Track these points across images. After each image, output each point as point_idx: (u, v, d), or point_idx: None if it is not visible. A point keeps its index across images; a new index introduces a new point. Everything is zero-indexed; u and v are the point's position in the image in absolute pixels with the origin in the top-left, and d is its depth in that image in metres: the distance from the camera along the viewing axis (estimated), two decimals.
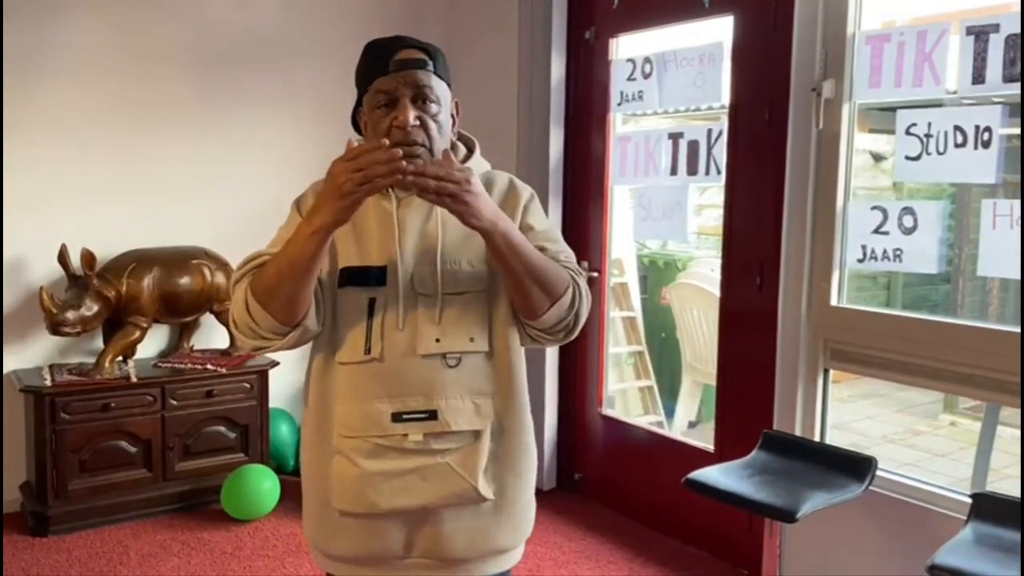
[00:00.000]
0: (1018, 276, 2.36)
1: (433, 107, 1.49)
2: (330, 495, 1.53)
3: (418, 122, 1.46)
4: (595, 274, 3.66)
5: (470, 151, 1.64)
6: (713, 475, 2.40)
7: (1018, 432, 4.47)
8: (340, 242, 1.53)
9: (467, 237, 1.50)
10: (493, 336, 1.53)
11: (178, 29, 3.68)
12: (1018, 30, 2.27)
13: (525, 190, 1.62)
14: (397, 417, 1.47)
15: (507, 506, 1.55)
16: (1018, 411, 2.90)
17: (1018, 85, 2.28)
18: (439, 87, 1.51)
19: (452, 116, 1.57)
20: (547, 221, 1.62)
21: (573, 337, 1.57)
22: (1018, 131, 4.07)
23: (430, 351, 1.48)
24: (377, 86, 1.48)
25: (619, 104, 3.46)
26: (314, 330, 1.51)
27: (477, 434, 1.51)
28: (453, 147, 1.59)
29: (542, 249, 1.53)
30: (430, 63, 1.50)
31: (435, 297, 1.50)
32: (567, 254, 1.58)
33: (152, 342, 3.68)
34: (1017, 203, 2.33)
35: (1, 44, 3.32)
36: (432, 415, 1.48)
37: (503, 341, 1.54)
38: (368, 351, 1.48)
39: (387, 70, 1.48)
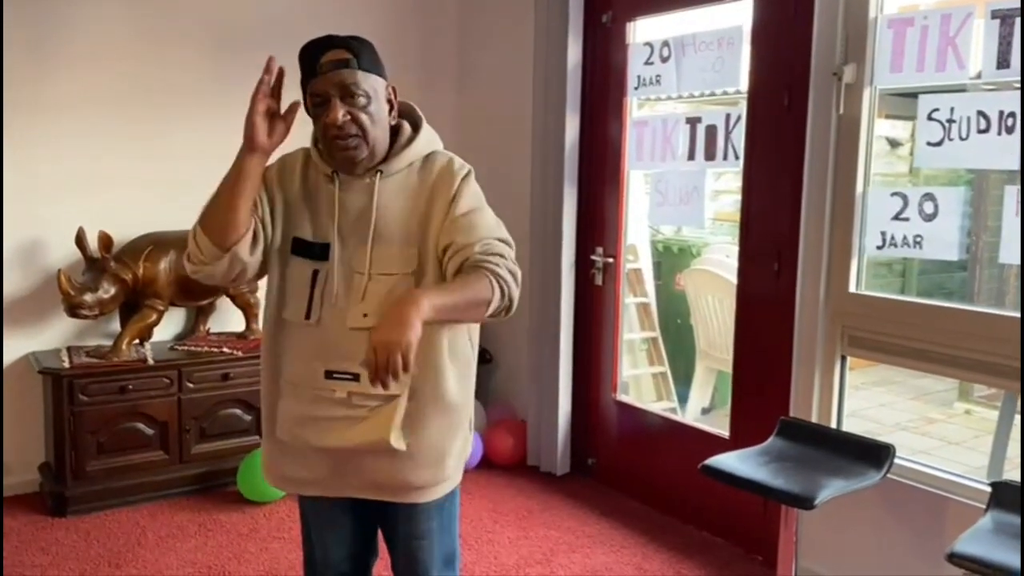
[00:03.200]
0: None
1: (361, 100, 1.64)
2: (276, 428, 1.79)
3: (348, 116, 1.63)
4: (611, 259, 3.66)
5: (415, 129, 1.76)
6: (730, 461, 2.40)
7: None
8: (296, 214, 1.74)
9: (402, 223, 1.69)
10: None
11: (196, 12, 3.67)
12: None
13: (459, 172, 1.73)
14: (328, 375, 1.71)
15: (419, 453, 1.74)
16: None
17: None
18: (366, 81, 1.65)
19: (389, 101, 1.71)
20: (473, 202, 1.72)
21: (513, 312, 1.70)
22: None
23: (357, 325, 1.67)
24: (310, 89, 1.65)
25: (636, 88, 3.43)
26: (247, 262, 1.67)
27: (393, 396, 1.68)
28: (397, 128, 1.74)
29: (449, 245, 1.66)
30: (354, 60, 1.64)
31: (365, 276, 1.68)
32: (484, 242, 1.66)
33: (168, 325, 3.70)
34: None
35: (1, 34, 3.32)
36: (356, 378, 1.68)
37: None
38: (308, 316, 1.71)
39: (316, 73, 1.64)
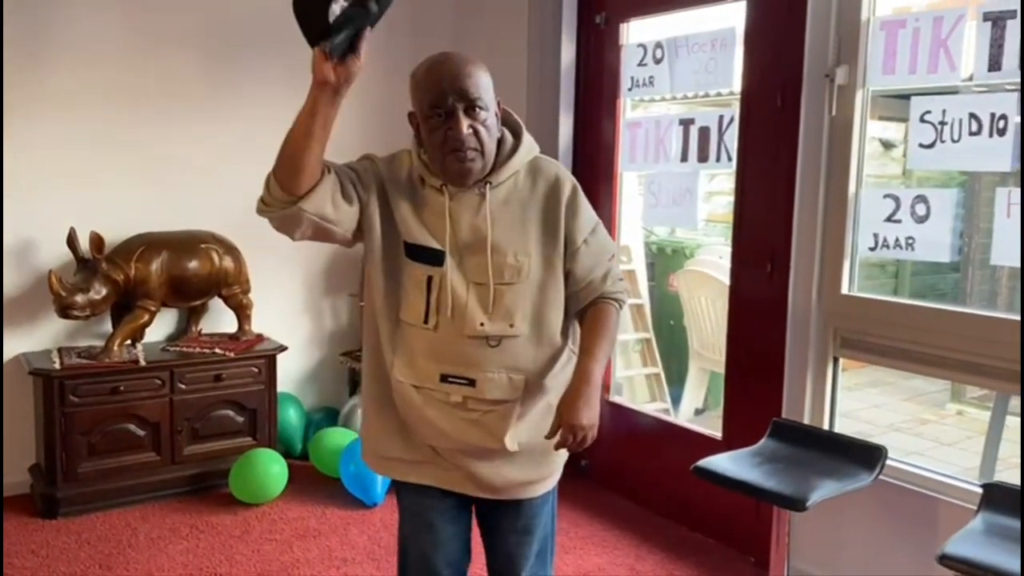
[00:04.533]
0: None
1: (482, 114, 1.67)
2: (392, 411, 1.80)
3: (471, 130, 1.65)
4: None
5: (517, 137, 1.79)
6: (722, 463, 2.40)
7: None
8: (406, 216, 1.74)
9: (513, 232, 1.73)
10: (537, 322, 1.75)
11: (189, 9, 3.65)
12: None
13: (566, 185, 1.78)
14: (444, 378, 1.73)
15: (527, 452, 1.78)
16: None
17: None
18: (486, 95, 1.68)
19: (496, 115, 1.73)
20: (589, 221, 1.79)
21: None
22: None
23: (475, 333, 1.71)
24: (432, 100, 1.66)
25: (629, 89, 3.43)
26: (332, 219, 1.65)
27: (508, 401, 1.74)
28: (501, 139, 1.76)
29: (578, 272, 1.76)
30: (476, 73, 1.67)
31: (485, 286, 1.71)
32: (609, 271, 1.79)
33: (160, 326, 3.69)
34: None
35: (1, 31, 3.30)
36: (471, 383, 1.72)
37: (547, 327, 1.76)
38: (426, 321, 1.72)
39: (439, 85, 1.65)
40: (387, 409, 1.81)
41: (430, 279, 1.72)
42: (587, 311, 1.79)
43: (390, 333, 1.77)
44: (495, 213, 1.72)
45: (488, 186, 1.73)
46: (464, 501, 1.88)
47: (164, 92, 3.63)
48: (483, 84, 1.68)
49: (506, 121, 1.80)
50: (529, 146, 1.80)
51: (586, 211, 1.79)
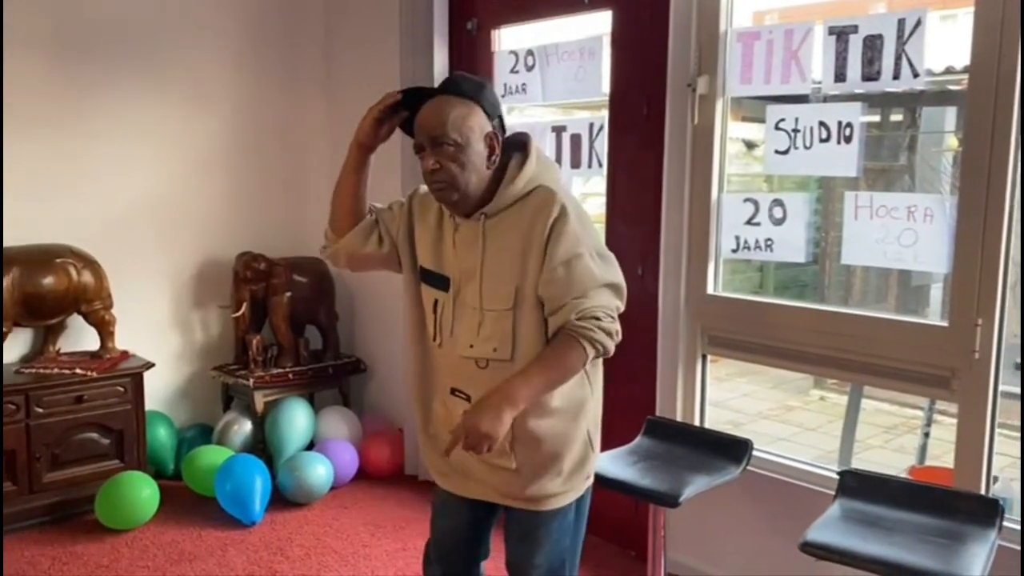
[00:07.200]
0: (878, 264, 2.52)
1: (449, 149, 1.75)
2: (429, 424, 2.01)
3: (436, 165, 1.75)
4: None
5: (521, 167, 1.82)
6: (600, 462, 2.44)
7: (880, 404, 4.78)
8: (425, 243, 1.91)
9: (505, 261, 1.80)
10: (522, 348, 1.81)
11: (39, 11, 3.43)
12: (874, 32, 2.39)
13: (553, 213, 1.77)
14: (453, 392, 1.90)
15: (523, 469, 1.89)
16: (877, 388, 3.05)
17: (876, 84, 2.42)
18: (455, 132, 1.74)
19: (491, 145, 1.80)
20: (569, 248, 1.76)
21: (611, 354, 1.90)
22: (875, 119, 4.31)
23: (465, 354, 1.85)
24: (414, 139, 1.81)
25: (503, 96, 3.46)
26: (362, 253, 1.94)
27: None
28: (504, 169, 1.81)
29: (556, 311, 1.77)
30: (447, 111, 1.75)
31: (476, 311, 1.82)
32: (581, 304, 1.76)
33: (14, 346, 3.47)
34: (876, 195, 2.47)
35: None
36: (468, 399, 1.85)
37: (526, 350, 1.81)
38: (434, 339, 1.91)
39: (420, 124, 1.78)
40: (429, 423, 2.01)
41: (436, 301, 1.89)
42: (554, 337, 1.81)
43: (419, 348, 1.97)
44: (489, 243, 1.81)
45: (483, 217, 1.81)
46: (470, 504, 2.00)
47: (12, 98, 3.40)
48: (453, 121, 1.73)
49: (520, 146, 1.84)
50: (532, 175, 1.81)
51: (568, 239, 1.76)
